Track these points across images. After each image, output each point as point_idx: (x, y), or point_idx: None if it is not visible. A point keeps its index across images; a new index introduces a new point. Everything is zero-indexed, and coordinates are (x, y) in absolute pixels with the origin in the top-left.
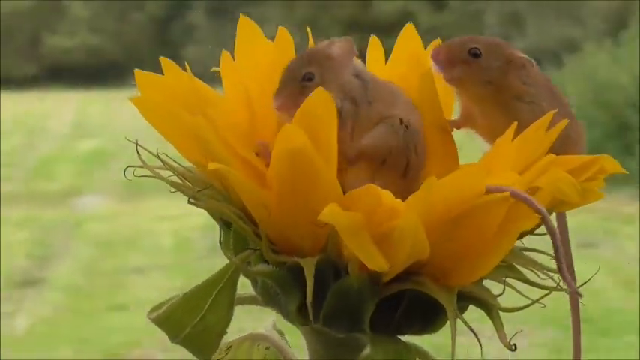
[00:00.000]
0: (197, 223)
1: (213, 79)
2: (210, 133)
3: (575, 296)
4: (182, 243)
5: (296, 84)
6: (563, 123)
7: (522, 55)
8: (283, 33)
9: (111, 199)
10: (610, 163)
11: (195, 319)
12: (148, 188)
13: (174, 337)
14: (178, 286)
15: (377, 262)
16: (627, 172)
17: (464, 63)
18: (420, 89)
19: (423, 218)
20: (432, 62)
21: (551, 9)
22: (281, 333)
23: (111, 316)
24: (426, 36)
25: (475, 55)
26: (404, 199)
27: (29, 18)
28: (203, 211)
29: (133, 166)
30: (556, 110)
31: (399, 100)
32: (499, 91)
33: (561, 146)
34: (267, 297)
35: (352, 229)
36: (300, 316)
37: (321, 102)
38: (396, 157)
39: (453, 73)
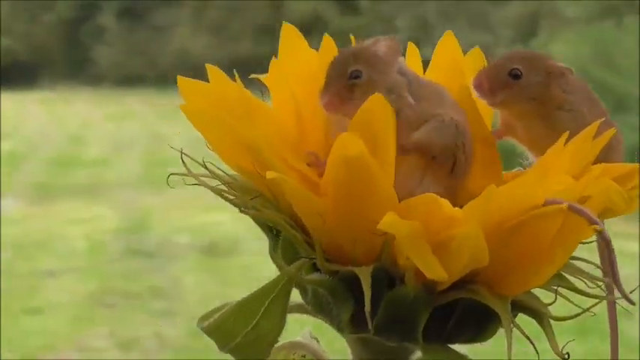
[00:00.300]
0: (110, 227)
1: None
2: (263, 142)
3: (612, 304)
4: (95, 246)
5: (343, 81)
6: (611, 132)
7: (561, 65)
8: (328, 41)
9: (22, 201)
10: None
11: (246, 328)
12: (60, 191)
13: (223, 346)
14: (92, 290)
15: (436, 271)
16: None
17: (506, 87)
18: (459, 102)
19: (481, 226)
20: (474, 90)
21: (461, 16)
22: (317, 341)
23: (26, 320)
24: (337, 39)
25: (516, 75)
26: (450, 197)
27: None
28: (115, 214)
29: (176, 174)
30: (603, 119)
31: (446, 101)
32: (542, 105)
33: (604, 154)
34: (318, 306)
35: (412, 238)
36: (351, 325)
37: (378, 108)
38: (445, 153)
39: (496, 100)
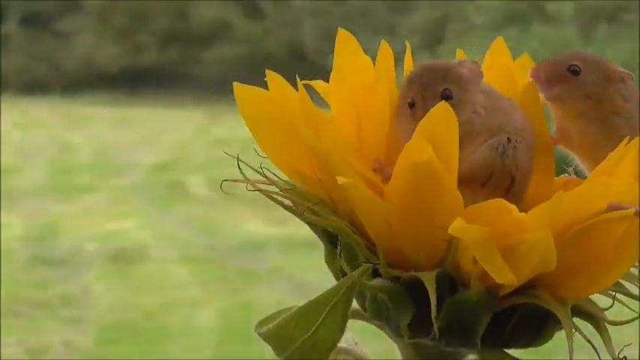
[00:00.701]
0: (16, 234)
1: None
2: (332, 148)
3: None
4: (3, 254)
5: (437, 101)
6: None
7: (621, 70)
8: (385, 47)
9: None
10: None
11: (306, 334)
12: None
13: (281, 352)
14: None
15: (505, 275)
16: None
17: (564, 81)
18: (522, 103)
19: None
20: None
21: (367, 23)
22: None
23: None
24: (244, 44)
25: (574, 72)
26: None
27: None
28: (23, 222)
29: (230, 180)
30: None
31: (515, 115)
32: (598, 106)
33: None
34: (376, 312)
35: (482, 243)
36: (410, 330)
37: (444, 116)
38: (498, 178)
39: (553, 92)
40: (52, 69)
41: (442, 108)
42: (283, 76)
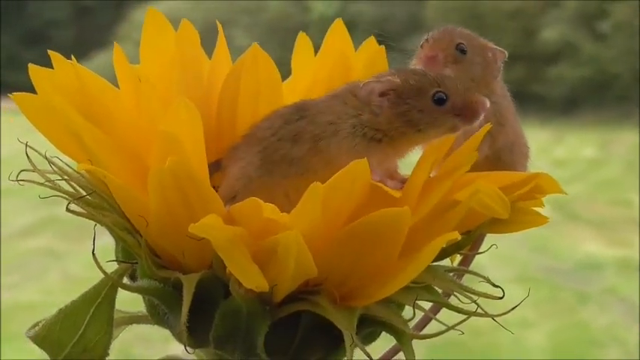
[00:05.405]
0: None
1: None
2: (90, 132)
3: None
4: None
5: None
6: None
7: (496, 48)
8: (187, 25)
9: None
10: (548, 182)
11: (74, 337)
12: None
13: (55, 357)
14: None
15: (254, 280)
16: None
17: (454, 61)
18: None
19: (310, 231)
20: (423, 63)
21: None
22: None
23: None
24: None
25: (462, 51)
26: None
27: None
28: None
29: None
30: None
31: None
32: (477, 90)
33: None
34: (156, 316)
35: (227, 244)
36: (190, 338)
37: (186, 114)
38: None
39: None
40: None
41: (183, 107)
42: None
